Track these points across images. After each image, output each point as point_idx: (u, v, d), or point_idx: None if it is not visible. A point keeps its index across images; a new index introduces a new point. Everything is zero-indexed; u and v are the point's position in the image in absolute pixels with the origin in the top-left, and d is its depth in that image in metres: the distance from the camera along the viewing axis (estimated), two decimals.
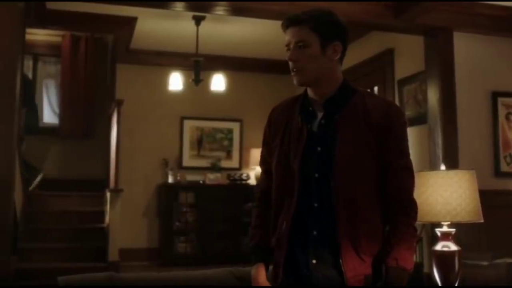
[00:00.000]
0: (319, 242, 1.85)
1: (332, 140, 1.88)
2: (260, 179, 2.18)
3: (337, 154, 1.85)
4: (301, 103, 2.02)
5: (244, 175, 8.00)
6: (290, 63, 1.96)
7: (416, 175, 2.82)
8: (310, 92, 2.00)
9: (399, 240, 1.84)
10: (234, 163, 8.16)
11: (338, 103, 1.93)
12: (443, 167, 3.12)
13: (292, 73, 1.96)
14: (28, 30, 6.90)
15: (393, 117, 1.91)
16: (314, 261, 1.85)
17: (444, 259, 2.78)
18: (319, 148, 1.89)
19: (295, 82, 1.97)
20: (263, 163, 2.14)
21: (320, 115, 1.94)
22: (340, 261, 1.81)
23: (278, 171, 1.98)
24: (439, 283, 2.81)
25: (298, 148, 1.91)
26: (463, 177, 2.75)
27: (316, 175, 1.87)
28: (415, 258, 5.03)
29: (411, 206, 1.91)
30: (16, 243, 4.73)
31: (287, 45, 1.97)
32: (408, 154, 1.93)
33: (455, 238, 2.80)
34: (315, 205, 1.87)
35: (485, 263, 4.22)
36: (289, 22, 1.97)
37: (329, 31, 1.96)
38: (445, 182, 2.72)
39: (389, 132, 1.88)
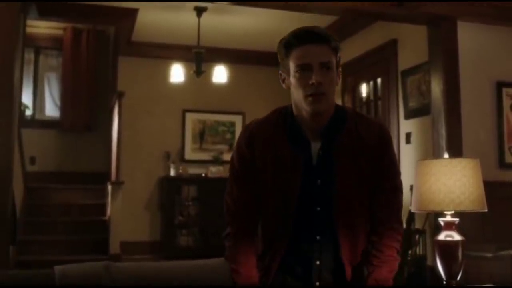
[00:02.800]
0: (323, 266, 1.84)
1: (330, 172, 1.81)
2: (235, 210, 1.89)
3: (339, 187, 1.81)
4: (288, 128, 1.85)
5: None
6: (312, 87, 1.74)
7: (419, 163, 2.78)
8: (303, 118, 1.83)
9: (381, 263, 1.85)
10: None
11: (334, 131, 1.84)
12: (446, 155, 3.07)
13: (312, 98, 1.75)
14: (29, 22, 6.87)
15: (385, 142, 1.88)
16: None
17: (447, 249, 2.72)
18: (319, 181, 1.82)
19: (315, 108, 1.75)
20: (242, 189, 1.87)
21: (314, 144, 1.83)
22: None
23: (273, 202, 1.83)
24: (442, 275, 2.75)
25: (294, 180, 1.80)
26: (467, 165, 2.68)
27: (318, 208, 1.82)
28: (417, 251, 5.00)
29: (398, 229, 1.92)
30: (15, 234, 4.70)
31: (303, 64, 1.75)
32: (399, 174, 1.94)
33: (459, 229, 2.74)
34: (318, 238, 1.83)
35: (489, 255, 4.18)
36: (310, 38, 1.77)
37: (338, 54, 1.84)
38: (448, 171, 2.65)
39: (382, 156, 1.86)
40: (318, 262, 1.82)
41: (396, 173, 1.92)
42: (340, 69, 1.82)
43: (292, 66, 1.80)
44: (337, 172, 1.80)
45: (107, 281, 2.22)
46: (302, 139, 1.83)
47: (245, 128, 1.93)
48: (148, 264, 2.45)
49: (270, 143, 1.84)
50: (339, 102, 7.13)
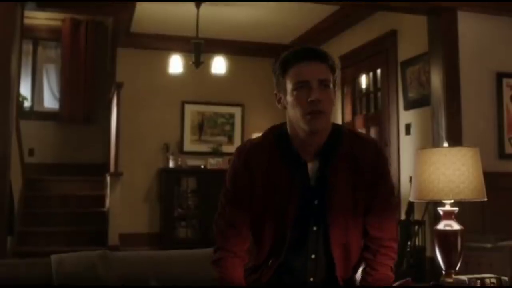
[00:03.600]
0: (317, 282, 1.84)
1: (327, 192, 1.80)
2: (228, 234, 1.83)
3: (335, 207, 1.80)
4: (283, 150, 1.82)
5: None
6: (311, 105, 1.71)
7: (418, 152, 2.76)
8: (299, 138, 1.80)
9: (376, 281, 1.84)
10: (235, 148, 8.10)
11: (331, 151, 1.82)
12: (446, 144, 3.05)
13: (311, 116, 1.72)
14: (27, 14, 6.84)
15: (381, 161, 1.88)
16: None
17: (446, 238, 2.70)
18: (316, 202, 1.80)
19: (313, 127, 1.73)
20: (236, 212, 1.82)
21: (310, 165, 1.81)
22: None
23: (269, 224, 1.80)
24: (441, 264, 2.74)
25: (291, 202, 1.78)
26: (466, 154, 2.66)
27: (315, 228, 1.81)
28: (417, 242, 4.99)
29: (393, 247, 1.89)
30: (12, 224, 4.70)
31: (302, 81, 1.74)
32: (393, 193, 1.93)
33: (458, 219, 2.73)
34: (312, 256, 1.83)
35: (488, 245, 4.16)
36: (308, 56, 1.77)
37: (335, 73, 1.84)
38: (448, 160, 2.63)
39: (378, 176, 1.86)
40: (312, 279, 1.84)
41: (391, 192, 1.91)
42: (336, 88, 1.82)
43: (289, 84, 1.77)
44: (334, 193, 1.80)
45: (103, 270, 2.21)
46: (299, 161, 1.80)
47: (240, 150, 1.89)
48: (144, 253, 2.45)
49: (267, 166, 1.81)
50: (338, 94, 7.13)
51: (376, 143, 1.93)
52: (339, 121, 7.10)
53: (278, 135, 1.85)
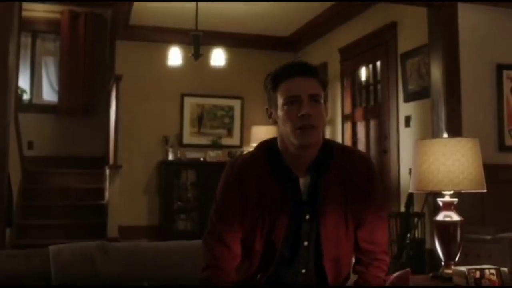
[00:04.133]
0: None
1: (319, 207, 1.79)
2: (219, 251, 1.80)
3: (327, 221, 1.79)
4: (274, 165, 1.81)
5: (245, 152, 7.92)
6: (301, 120, 1.72)
7: (417, 143, 2.75)
8: (290, 153, 1.79)
9: None
10: (235, 140, 8.09)
11: (322, 166, 1.81)
12: (445, 135, 3.04)
13: (301, 131, 1.72)
14: (26, 6, 6.81)
15: (372, 176, 1.87)
16: None
17: (445, 229, 2.70)
18: (307, 216, 1.79)
19: (304, 141, 1.73)
20: (228, 227, 1.79)
21: (302, 180, 1.80)
22: None
23: (260, 240, 1.79)
24: (441, 255, 2.73)
25: (283, 218, 1.77)
26: (466, 144, 2.66)
27: (306, 243, 1.80)
28: (416, 234, 4.99)
29: (384, 259, 1.89)
30: (11, 216, 4.69)
31: (293, 96, 1.74)
32: (384, 207, 1.92)
33: (458, 210, 2.72)
34: (303, 271, 1.82)
35: (488, 237, 4.16)
36: (299, 71, 1.77)
37: (326, 88, 1.83)
38: (447, 150, 2.63)
39: (369, 190, 1.85)
40: None
41: (382, 206, 1.90)
42: (327, 104, 1.84)
43: (280, 99, 1.77)
44: (325, 207, 1.79)
45: (101, 260, 2.20)
46: (290, 176, 1.80)
47: (231, 165, 1.85)
48: (143, 244, 2.44)
49: (258, 180, 1.79)
50: (337, 87, 7.12)
51: (367, 157, 1.94)
52: (339, 115, 7.10)
53: (269, 150, 1.84)
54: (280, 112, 1.77)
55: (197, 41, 6.18)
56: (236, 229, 1.79)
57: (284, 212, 1.77)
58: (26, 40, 8.30)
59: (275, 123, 1.83)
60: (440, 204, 2.73)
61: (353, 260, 1.93)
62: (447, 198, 2.71)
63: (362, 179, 1.83)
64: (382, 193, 1.92)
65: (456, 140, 2.70)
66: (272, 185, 1.78)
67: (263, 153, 1.84)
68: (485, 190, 2.70)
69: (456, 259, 2.71)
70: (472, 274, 2.39)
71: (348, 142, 6.85)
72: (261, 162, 1.82)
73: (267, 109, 1.86)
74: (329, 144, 1.87)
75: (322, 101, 1.77)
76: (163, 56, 6.86)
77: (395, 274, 2.23)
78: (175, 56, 6.55)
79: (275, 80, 1.79)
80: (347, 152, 1.89)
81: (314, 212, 1.79)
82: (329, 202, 1.79)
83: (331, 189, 1.80)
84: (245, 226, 1.79)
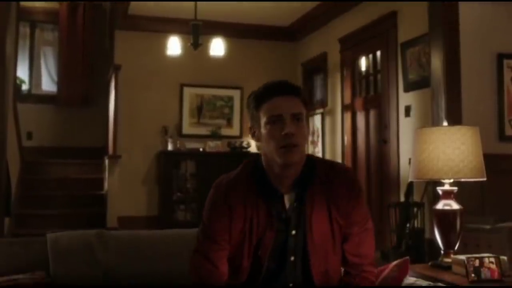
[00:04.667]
0: None
1: (304, 222, 1.81)
2: (201, 272, 1.81)
3: (313, 236, 1.81)
4: (259, 183, 1.83)
5: (245, 143, 7.92)
6: (284, 139, 1.74)
7: (417, 131, 2.74)
8: (274, 171, 1.81)
9: None
10: (234, 131, 8.07)
11: (306, 183, 1.83)
12: (445, 123, 3.02)
13: (285, 150, 1.74)
14: None
15: (355, 189, 1.88)
16: None
17: (445, 218, 2.69)
18: (293, 232, 1.81)
19: (287, 160, 1.75)
20: (216, 246, 1.81)
21: (287, 196, 1.83)
22: None
23: (247, 257, 1.81)
24: (440, 244, 2.73)
25: (269, 235, 1.79)
26: (466, 133, 2.64)
27: (292, 258, 1.82)
28: (416, 224, 4.98)
29: (371, 271, 1.91)
30: (9, 205, 4.68)
31: (275, 115, 1.76)
32: (369, 219, 1.92)
33: (458, 200, 2.71)
34: (290, 285, 1.83)
35: (487, 227, 4.15)
36: (281, 90, 1.79)
37: (307, 106, 1.85)
38: (447, 138, 2.61)
39: (353, 204, 1.86)
40: None
41: (367, 218, 1.90)
42: (308, 121, 1.86)
43: (263, 118, 1.79)
44: (311, 223, 1.81)
45: (99, 248, 2.19)
46: (275, 193, 1.82)
47: (218, 185, 1.87)
48: (141, 232, 2.42)
49: (244, 198, 1.81)
50: (337, 76, 7.09)
51: (349, 170, 1.97)
52: (339, 105, 7.08)
53: (253, 168, 1.86)
54: (263, 131, 1.79)
55: (197, 30, 6.16)
56: (223, 247, 1.81)
57: (270, 229, 1.79)
58: (25, 30, 8.28)
59: (258, 141, 1.84)
60: (440, 192, 2.72)
61: (342, 273, 1.94)
62: (446, 187, 2.70)
63: (346, 192, 1.85)
64: (366, 207, 1.94)
65: (456, 128, 2.68)
66: (258, 203, 1.81)
67: (248, 172, 1.86)
68: (485, 179, 2.69)
69: (456, 248, 2.70)
70: (471, 263, 2.39)
71: (348, 132, 6.83)
72: (246, 181, 1.84)
73: (250, 127, 1.87)
74: (312, 160, 1.89)
75: (304, 119, 1.80)
76: (162, 46, 6.83)
77: (394, 262, 2.23)
78: (174, 45, 6.52)
79: (258, 99, 1.81)
80: (330, 167, 1.91)
81: (300, 227, 1.81)
82: (315, 217, 1.81)
83: (316, 203, 1.82)
84: (232, 244, 1.81)
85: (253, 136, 1.87)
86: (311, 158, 1.90)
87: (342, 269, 1.94)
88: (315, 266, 1.81)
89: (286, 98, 1.77)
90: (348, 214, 1.85)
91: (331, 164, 1.95)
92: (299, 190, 1.82)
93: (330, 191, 1.84)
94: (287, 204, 1.83)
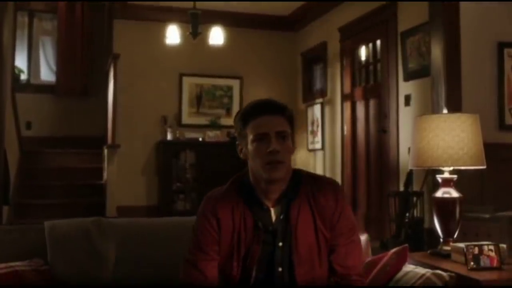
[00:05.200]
0: None
1: (291, 234, 1.87)
2: (192, 279, 1.86)
3: (299, 248, 1.87)
4: (247, 198, 1.90)
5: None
6: (270, 156, 1.82)
7: (417, 119, 2.72)
8: (260, 185, 1.88)
9: None
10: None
11: (292, 195, 1.90)
12: (445, 110, 3.00)
13: (270, 166, 1.82)
14: None
15: (340, 201, 1.93)
16: None
17: (444, 206, 2.68)
18: (280, 243, 1.88)
19: (272, 176, 1.83)
20: (206, 258, 1.87)
21: (273, 209, 1.90)
22: None
23: (236, 268, 1.87)
24: (439, 232, 2.72)
25: (254, 245, 1.86)
26: (466, 120, 2.63)
27: (280, 269, 1.87)
28: (415, 213, 4.97)
29: (359, 280, 1.94)
30: (8, 193, 4.68)
31: (261, 133, 1.83)
32: (356, 230, 1.97)
33: (457, 188, 2.69)
34: None
35: (487, 215, 4.14)
36: (266, 109, 1.86)
37: (293, 122, 1.92)
38: (447, 126, 2.60)
39: (339, 215, 1.91)
40: None
41: (353, 230, 1.96)
42: (294, 138, 1.93)
43: (250, 136, 1.86)
44: (297, 234, 1.87)
45: (97, 236, 2.19)
46: (262, 207, 1.89)
47: (208, 198, 1.95)
48: (139, 220, 2.42)
49: (232, 211, 1.89)
50: (337, 66, 7.07)
51: (334, 183, 2.00)
52: (338, 94, 7.06)
53: (241, 183, 1.94)
54: (250, 148, 1.87)
55: (196, 19, 6.12)
56: (212, 258, 1.87)
57: (257, 241, 1.86)
58: (23, 19, 8.24)
59: (245, 158, 1.91)
60: (439, 180, 2.71)
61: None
62: (446, 175, 2.68)
63: (331, 204, 1.91)
64: (352, 218, 1.98)
65: (456, 116, 2.66)
66: (245, 216, 1.88)
67: (236, 187, 1.93)
68: (484, 167, 2.68)
69: (455, 236, 2.69)
70: (470, 250, 2.38)
71: (347, 121, 6.82)
72: (234, 195, 1.91)
73: (237, 144, 1.94)
74: (298, 173, 1.96)
75: (289, 136, 1.87)
76: (161, 35, 6.80)
77: (393, 250, 2.23)
78: (173, 34, 6.48)
79: (245, 117, 1.88)
80: (315, 180, 1.97)
81: (286, 239, 1.87)
82: (301, 229, 1.87)
83: (302, 215, 1.88)
84: (222, 254, 1.88)
85: (240, 153, 1.93)
86: (298, 172, 1.97)
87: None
88: (300, 277, 1.86)
89: (271, 117, 1.85)
90: (333, 226, 1.90)
91: (316, 177, 2.01)
92: (285, 203, 1.89)
93: (315, 204, 1.90)
94: (273, 217, 1.89)
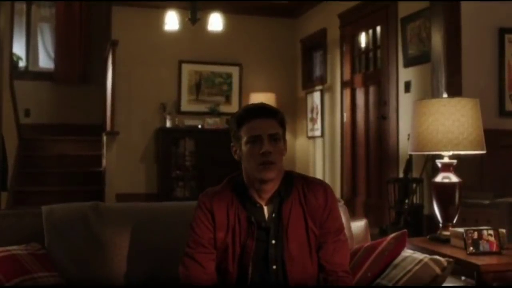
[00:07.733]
0: None
1: (283, 232, 1.95)
2: (191, 274, 1.92)
3: (291, 246, 1.94)
4: (241, 197, 1.99)
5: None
6: (262, 157, 1.91)
7: (416, 103, 2.70)
8: (254, 185, 1.97)
9: None
10: (233, 108, 8.01)
11: (284, 195, 1.99)
12: (445, 95, 2.98)
13: (263, 167, 1.92)
14: None
15: (330, 201, 2.02)
16: None
17: (444, 191, 2.67)
18: (273, 241, 1.95)
19: (265, 176, 1.92)
20: (204, 255, 1.93)
21: (266, 208, 1.99)
22: None
23: (231, 265, 1.94)
24: (439, 218, 2.71)
25: (249, 242, 1.94)
26: (466, 105, 2.61)
27: (274, 267, 1.95)
28: (414, 200, 4.96)
29: (346, 277, 2.00)
30: (5, 179, 4.67)
31: (254, 136, 1.93)
32: (343, 230, 2.05)
33: (457, 173, 2.68)
34: None
35: (486, 202, 4.14)
36: (259, 113, 1.96)
37: (284, 125, 2.02)
38: (447, 110, 2.58)
39: (328, 215, 2.00)
40: None
41: (340, 229, 2.05)
42: (286, 139, 2.02)
43: (243, 138, 1.95)
44: (288, 232, 1.95)
45: (95, 221, 2.18)
46: (255, 205, 1.97)
47: (204, 194, 2.03)
48: (137, 204, 2.40)
49: (227, 209, 1.97)
50: (337, 53, 7.03)
51: (324, 184, 2.09)
52: (338, 81, 7.03)
53: (235, 183, 2.03)
54: (244, 149, 1.96)
55: (194, 5, 6.08)
56: (210, 251, 1.94)
57: (251, 238, 1.94)
58: (21, 6, 8.19)
59: (239, 159, 2.00)
60: (439, 165, 2.69)
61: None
62: (446, 160, 2.67)
63: (321, 204, 2.00)
64: (340, 218, 2.08)
65: (456, 100, 2.64)
66: (239, 213, 1.96)
67: (230, 186, 2.02)
68: (484, 151, 2.66)
69: (454, 221, 2.68)
70: (470, 235, 2.37)
71: (347, 108, 6.80)
72: (229, 193, 2.00)
73: (232, 146, 2.03)
74: (290, 174, 2.05)
75: (281, 138, 1.97)
76: (160, 22, 6.76)
77: (392, 235, 2.22)
78: (172, 20, 6.44)
79: (239, 121, 1.97)
80: (306, 180, 2.06)
81: (279, 237, 1.95)
82: (292, 228, 1.96)
83: (293, 215, 1.97)
84: (218, 249, 1.95)
85: (235, 154, 2.02)
86: (290, 173, 2.06)
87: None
88: (292, 274, 1.94)
89: (264, 120, 1.94)
90: (322, 224, 1.99)
91: (307, 178, 2.09)
92: (277, 202, 1.98)
93: (306, 203, 1.99)
94: (266, 214, 1.98)
